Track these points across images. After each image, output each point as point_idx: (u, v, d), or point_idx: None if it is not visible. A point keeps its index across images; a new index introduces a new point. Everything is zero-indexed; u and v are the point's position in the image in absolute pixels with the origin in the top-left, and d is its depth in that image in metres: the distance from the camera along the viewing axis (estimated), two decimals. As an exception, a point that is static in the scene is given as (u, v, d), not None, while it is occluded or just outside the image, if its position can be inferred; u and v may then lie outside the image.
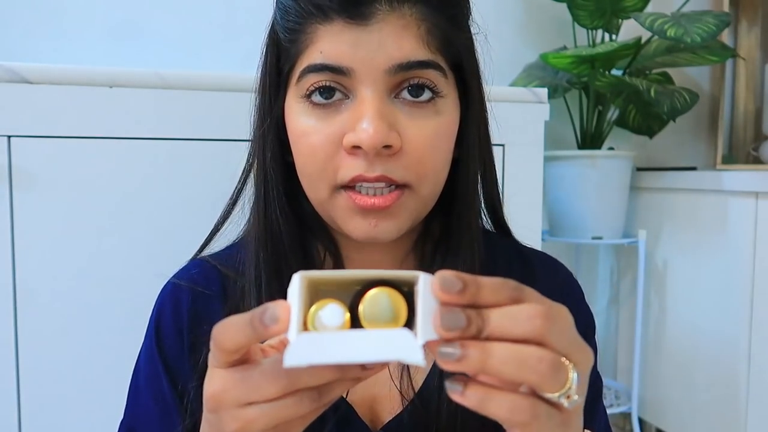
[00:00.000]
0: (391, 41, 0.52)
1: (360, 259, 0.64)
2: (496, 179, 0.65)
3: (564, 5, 1.46)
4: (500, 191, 0.66)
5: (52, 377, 0.90)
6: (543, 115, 1.13)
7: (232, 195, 0.67)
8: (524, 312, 0.35)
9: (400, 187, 0.54)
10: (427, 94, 0.54)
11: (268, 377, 0.38)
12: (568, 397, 0.36)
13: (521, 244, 0.69)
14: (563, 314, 0.37)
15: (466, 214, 0.61)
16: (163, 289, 0.66)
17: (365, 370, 0.39)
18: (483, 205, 0.65)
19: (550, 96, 1.25)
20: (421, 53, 0.53)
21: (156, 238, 0.93)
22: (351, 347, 0.34)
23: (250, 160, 0.64)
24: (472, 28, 0.60)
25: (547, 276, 0.67)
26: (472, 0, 0.60)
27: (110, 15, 1.20)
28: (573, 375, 0.36)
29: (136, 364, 0.66)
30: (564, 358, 0.36)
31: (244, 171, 0.66)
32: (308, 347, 0.34)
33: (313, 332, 0.35)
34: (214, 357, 0.40)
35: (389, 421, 0.59)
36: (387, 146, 0.52)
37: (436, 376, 0.58)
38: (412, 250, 0.64)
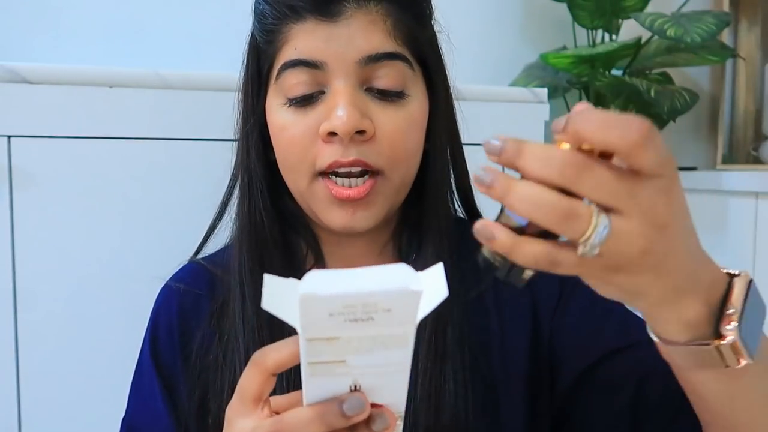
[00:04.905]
0: (360, 35, 0.56)
1: (340, 253, 0.67)
2: (467, 170, 0.68)
3: (564, 5, 1.45)
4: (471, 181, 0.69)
5: (53, 377, 0.90)
6: (543, 115, 1.13)
7: (224, 196, 0.69)
8: (558, 158, 0.35)
9: (374, 175, 0.58)
10: (394, 91, 0.58)
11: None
12: (584, 244, 0.35)
13: None
14: (604, 165, 0.35)
15: (434, 204, 0.64)
16: (159, 293, 0.69)
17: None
18: (456, 195, 0.68)
19: (550, 96, 1.25)
20: (389, 45, 0.57)
21: (156, 237, 0.92)
22: (358, 281, 0.35)
23: (237, 161, 0.67)
24: (435, 27, 0.64)
25: None
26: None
27: (110, 15, 1.20)
28: (598, 223, 0.34)
29: (137, 363, 0.68)
30: (595, 207, 0.35)
31: (233, 173, 0.68)
32: (320, 281, 0.35)
33: (321, 271, 0.36)
34: (241, 402, 0.43)
35: None
36: (360, 132, 0.56)
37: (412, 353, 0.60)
38: (389, 241, 0.67)
